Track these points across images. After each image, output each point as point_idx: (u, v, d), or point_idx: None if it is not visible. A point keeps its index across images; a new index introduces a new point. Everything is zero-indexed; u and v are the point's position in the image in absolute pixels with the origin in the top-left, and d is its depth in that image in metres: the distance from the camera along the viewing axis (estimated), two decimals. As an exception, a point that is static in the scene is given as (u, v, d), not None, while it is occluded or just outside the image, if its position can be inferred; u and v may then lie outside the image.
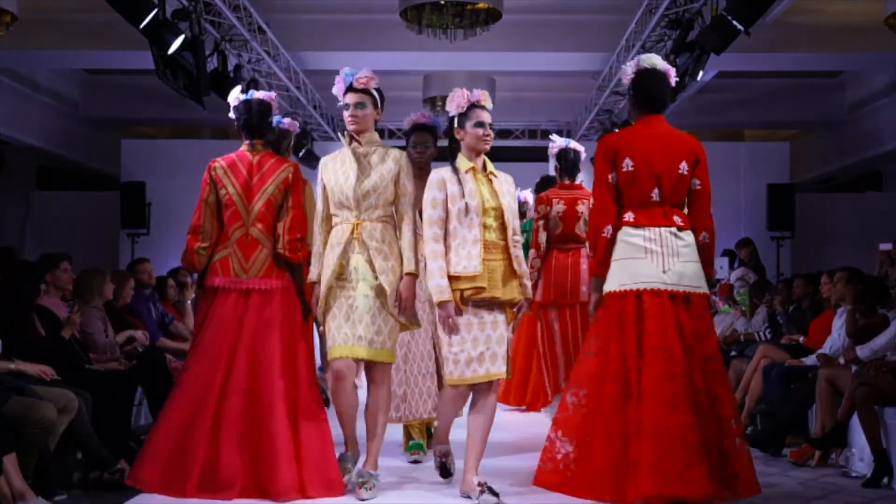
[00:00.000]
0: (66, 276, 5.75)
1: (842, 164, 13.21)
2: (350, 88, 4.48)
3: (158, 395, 5.98)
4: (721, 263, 10.84)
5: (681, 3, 7.20)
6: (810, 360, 6.40)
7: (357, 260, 4.28)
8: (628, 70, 4.38)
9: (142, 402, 6.04)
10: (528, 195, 7.47)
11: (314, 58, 9.64)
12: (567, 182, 6.15)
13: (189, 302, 7.80)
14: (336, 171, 4.39)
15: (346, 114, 4.45)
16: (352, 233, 4.30)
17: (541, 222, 6.04)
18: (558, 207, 5.99)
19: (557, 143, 6.30)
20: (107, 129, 13.38)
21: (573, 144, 6.22)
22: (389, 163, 4.36)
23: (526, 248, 5.81)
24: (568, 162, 6.18)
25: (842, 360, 5.88)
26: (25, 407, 4.25)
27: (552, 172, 6.63)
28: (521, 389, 7.29)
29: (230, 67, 8.14)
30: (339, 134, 4.62)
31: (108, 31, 8.57)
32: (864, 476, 5.09)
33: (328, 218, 4.44)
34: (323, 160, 4.52)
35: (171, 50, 6.34)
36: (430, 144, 5.19)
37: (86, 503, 4.52)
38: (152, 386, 5.98)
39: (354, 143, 4.43)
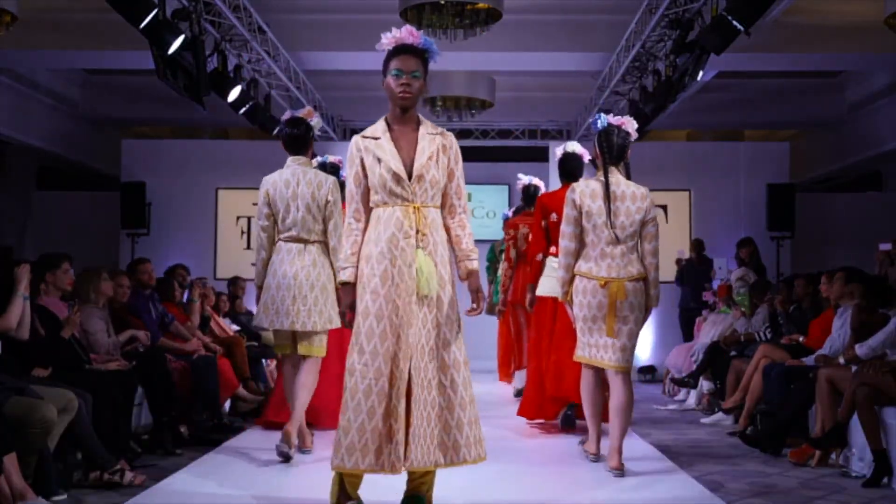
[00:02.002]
0: (66, 277, 5.75)
1: (842, 164, 13.20)
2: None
3: (158, 395, 5.99)
4: (720, 264, 10.85)
5: (681, 3, 7.19)
6: (810, 360, 6.40)
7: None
8: (558, 151, 6.29)
9: (142, 402, 6.04)
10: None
11: (314, 58, 9.63)
12: (530, 210, 7.69)
13: (197, 301, 7.82)
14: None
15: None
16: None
17: (510, 242, 7.75)
18: (523, 230, 7.57)
19: (523, 180, 8.04)
20: (107, 129, 13.37)
21: (535, 181, 7.92)
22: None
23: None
24: (530, 195, 7.81)
25: (841, 360, 5.88)
26: (25, 407, 4.25)
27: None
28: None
29: (230, 67, 8.14)
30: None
31: (108, 31, 8.56)
32: (864, 476, 5.09)
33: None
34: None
35: (171, 50, 6.33)
36: (419, 75, 3.93)
37: (86, 503, 4.53)
38: (152, 386, 5.99)
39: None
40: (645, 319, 4.93)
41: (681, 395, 8.87)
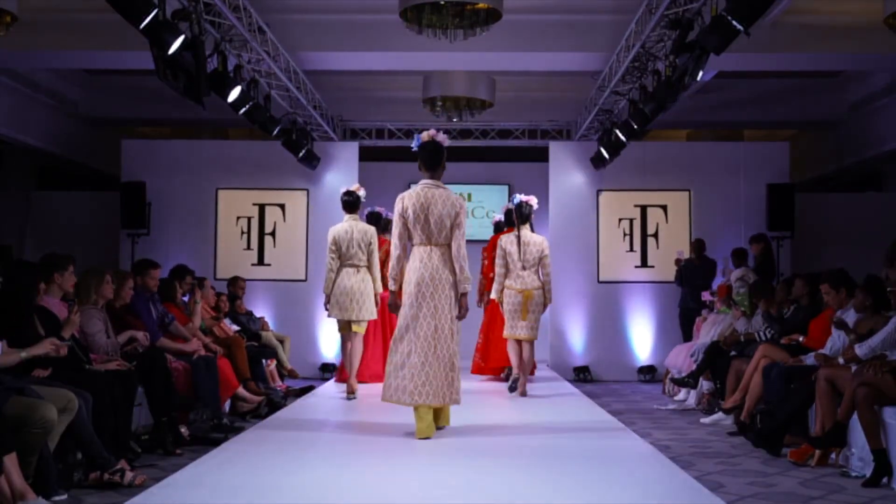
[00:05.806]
0: (71, 279, 5.77)
1: (842, 164, 13.21)
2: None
3: (158, 395, 5.99)
4: (721, 264, 10.83)
5: (681, 3, 7.20)
6: (810, 360, 6.40)
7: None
8: (503, 206, 9.81)
9: (142, 402, 6.04)
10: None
11: (314, 58, 9.63)
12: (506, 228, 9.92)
13: (199, 303, 7.84)
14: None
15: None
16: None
17: (486, 261, 9.82)
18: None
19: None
20: (107, 129, 13.38)
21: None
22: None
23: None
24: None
25: (841, 360, 5.88)
26: (25, 407, 4.25)
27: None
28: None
29: (230, 67, 8.14)
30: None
31: (108, 31, 8.57)
32: (864, 476, 5.10)
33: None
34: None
35: (172, 50, 6.33)
36: None
37: (86, 503, 4.53)
38: (152, 386, 5.99)
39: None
40: (543, 311, 8.35)
41: (681, 395, 8.87)
